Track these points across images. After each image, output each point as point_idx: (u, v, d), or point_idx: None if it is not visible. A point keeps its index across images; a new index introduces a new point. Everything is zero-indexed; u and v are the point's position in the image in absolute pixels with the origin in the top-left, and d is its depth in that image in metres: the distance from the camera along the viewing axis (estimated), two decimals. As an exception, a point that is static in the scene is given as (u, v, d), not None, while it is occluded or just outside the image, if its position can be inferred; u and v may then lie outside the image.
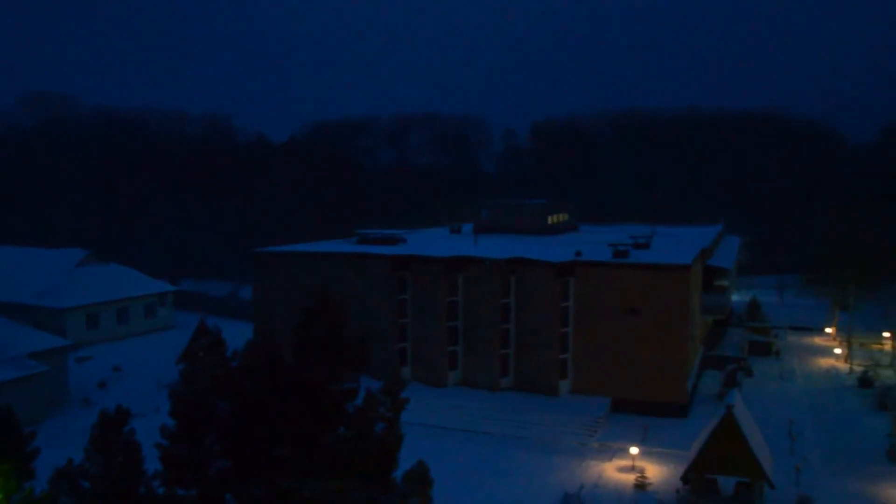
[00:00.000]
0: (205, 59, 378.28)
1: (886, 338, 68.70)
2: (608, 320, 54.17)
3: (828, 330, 78.98)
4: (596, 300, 54.73)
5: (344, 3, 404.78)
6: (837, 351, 70.19)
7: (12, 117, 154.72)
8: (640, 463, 43.48)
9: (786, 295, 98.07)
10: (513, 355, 56.49)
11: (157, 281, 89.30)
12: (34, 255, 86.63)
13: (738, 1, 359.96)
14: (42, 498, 23.88)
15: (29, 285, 78.54)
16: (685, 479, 38.88)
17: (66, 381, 58.48)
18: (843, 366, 66.31)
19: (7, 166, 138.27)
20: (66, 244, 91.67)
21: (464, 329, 57.47)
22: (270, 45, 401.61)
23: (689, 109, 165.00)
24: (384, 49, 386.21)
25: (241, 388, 25.92)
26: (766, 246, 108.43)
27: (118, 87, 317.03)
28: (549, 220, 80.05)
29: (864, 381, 59.39)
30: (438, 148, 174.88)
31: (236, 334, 34.30)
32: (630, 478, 41.85)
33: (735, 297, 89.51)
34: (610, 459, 45.15)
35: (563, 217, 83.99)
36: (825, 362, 68.15)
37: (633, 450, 43.68)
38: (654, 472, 42.72)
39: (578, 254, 56.98)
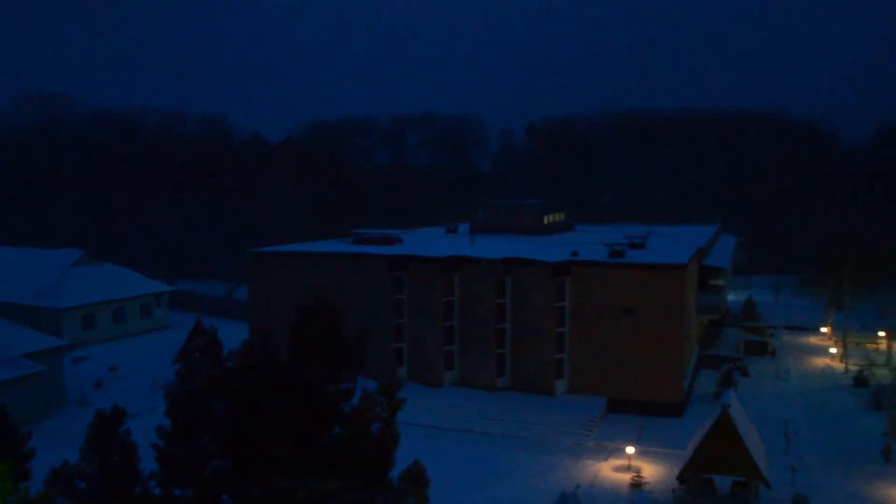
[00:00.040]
0: (202, 59, 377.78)
1: (881, 337, 68.89)
2: (604, 320, 54.23)
3: (823, 329, 79.11)
4: (592, 300, 54.79)
5: (341, 4, 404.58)
6: (833, 350, 70.32)
7: (10, 117, 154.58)
8: (636, 462, 43.56)
9: (781, 295, 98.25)
10: (509, 355, 56.54)
11: (153, 281, 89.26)
12: (31, 255, 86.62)
13: (735, 2, 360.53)
14: (38, 498, 23.83)
15: (25, 285, 78.51)
16: (681, 478, 38.90)
17: (62, 381, 58.44)
18: (838, 365, 66.44)
19: (5, 166, 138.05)
20: (63, 244, 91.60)
21: (460, 329, 57.52)
22: (268, 45, 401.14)
23: (684, 109, 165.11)
24: (381, 49, 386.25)
25: (237, 388, 25.90)
26: (761, 246, 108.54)
27: (115, 88, 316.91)
28: (546, 220, 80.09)
29: (860, 381, 59.53)
30: (435, 148, 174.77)
31: (232, 334, 34.28)
32: (626, 477, 41.92)
33: (731, 297, 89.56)
34: (606, 459, 45.21)
35: (559, 217, 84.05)
36: (820, 362, 68.28)
37: (630, 449, 43.75)
38: (650, 471, 42.80)
39: (574, 254, 57.04)
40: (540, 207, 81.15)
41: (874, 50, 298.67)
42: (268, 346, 26.64)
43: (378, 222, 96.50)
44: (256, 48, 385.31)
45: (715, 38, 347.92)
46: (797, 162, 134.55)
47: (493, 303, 56.02)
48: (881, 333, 69.05)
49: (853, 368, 63.51)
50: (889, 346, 64.26)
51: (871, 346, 68.87)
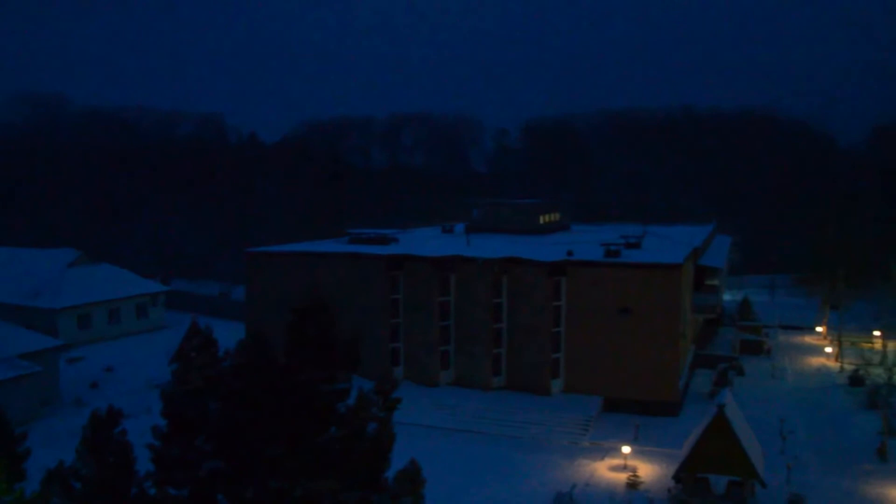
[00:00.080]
0: (198, 59, 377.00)
1: (876, 336, 68.99)
2: (600, 320, 54.26)
3: (818, 329, 79.24)
4: (588, 299, 54.82)
5: (337, 4, 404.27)
6: (828, 350, 70.46)
7: (6, 117, 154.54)
8: (631, 462, 43.61)
9: (777, 294, 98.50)
10: (505, 355, 56.56)
11: (149, 281, 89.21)
12: (27, 255, 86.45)
13: (731, 1, 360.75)
14: (33, 499, 23.80)
15: (21, 285, 78.38)
16: (677, 478, 38.96)
17: (57, 381, 58.33)
18: (833, 364, 66.62)
19: (1, 166, 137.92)
20: (59, 244, 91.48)
21: (456, 329, 57.54)
22: (263, 45, 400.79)
23: (680, 109, 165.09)
24: (377, 49, 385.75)
25: (232, 388, 25.89)
26: (757, 245, 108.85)
27: (111, 87, 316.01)
28: (541, 220, 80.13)
29: (855, 380, 59.67)
30: (431, 148, 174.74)
31: (228, 334, 34.27)
32: (622, 477, 41.95)
33: (726, 297, 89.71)
34: (602, 458, 45.24)
35: (554, 217, 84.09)
36: (816, 361, 68.44)
37: (625, 449, 43.80)
38: (646, 471, 42.83)
39: (570, 253, 57.07)
40: (536, 207, 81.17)
41: (871, 50, 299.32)
42: (264, 346, 26.63)
43: (373, 222, 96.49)
44: (252, 48, 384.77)
45: (711, 37, 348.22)
46: (793, 162, 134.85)
47: (489, 302, 56.04)
48: (876, 333, 69.12)
49: (848, 368, 63.65)
50: (884, 346, 64.28)
51: (866, 346, 68.93)
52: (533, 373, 55.29)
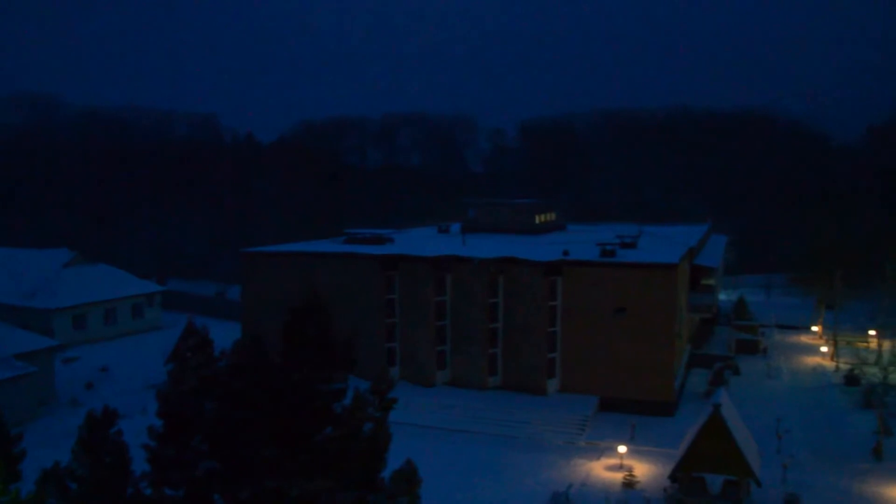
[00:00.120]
0: (194, 60, 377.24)
1: (872, 336, 69.13)
2: (596, 319, 54.31)
3: (814, 328, 79.38)
4: (584, 299, 54.84)
5: (333, 4, 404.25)
6: (824, 349, 70.56)
7: (2, 117, 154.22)
8: (627, 461, 43.62)
9: (772, 294, 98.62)
10: (501, 354, 56.59)
11: (145, 281, 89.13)
12: (22, 255, 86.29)
13: (727, 1, 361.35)
14: (29, 500, 23.76)
15: (16, 286, 78.27)
16: (673, 477, 39.00)
17: (52, 381, 58.27)
18: (829, 364, 66.70)
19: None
20: (55, 244, 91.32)
21: (452, 329, 57.54)
22: (259, 45, 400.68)
23: (676, 109, 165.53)
24: (372, 49, 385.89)
25: (228, 388, 25.87)
26: (752, 245, 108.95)
27: (106, 88, 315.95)
28: (537, 220, 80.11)
29: (850, 379, 59.75)
30: (426, 148, 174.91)
31: (224, 334, 34.27)
32: (618, 476, 41.96)
33: (722, 296, 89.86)
34: (598, 458, 45.27)
35: (550, 216, 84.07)
36: (812, 360, 68.53)
37: (621, 448, 43.82)
38: (642, 470, 42.86)
39: (566, 253, 57.10)
40: (531, 207, 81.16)
41: (867, 49, 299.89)
42: (260, 346, 26.61)
43: (369, 222, 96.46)
44: (248, 49, 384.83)
45: (707, 37, 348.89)
46: (789, 161, 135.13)
47: (486, 302, 56.06)
48: (872, 332, 69.28)
49: (844, 367, 63.73)
50: (879, 345, 64.45)
51: (861, 345, 69.01)
52: (529, 372, 55.32)
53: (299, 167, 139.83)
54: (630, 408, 52.34)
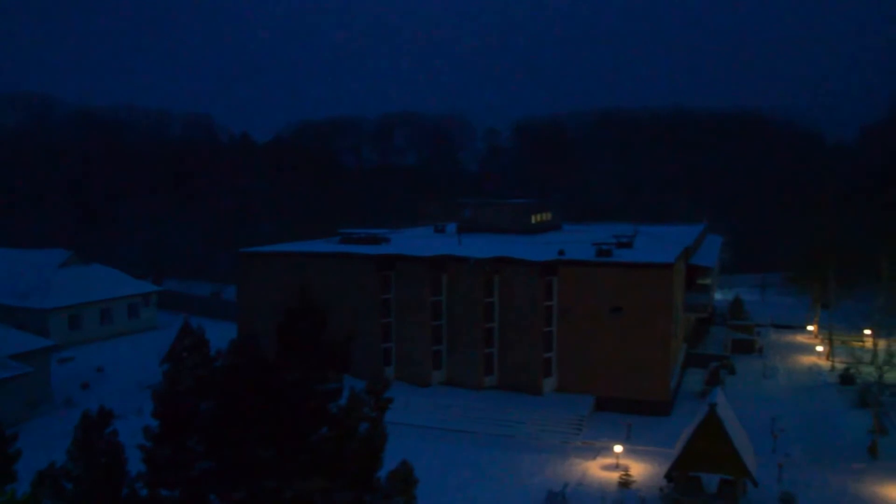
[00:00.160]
0: (190, 59, 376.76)
1: (867, 335, 69.23)
2: (592, 319, 54.32)
3: (809, 328, 79.49)
4: (579, 299, 54.87)
5: (328, 4, 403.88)
6: (819, 348, 70.70)
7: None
8: (623, 461, 43.65)
9: (768, 293, 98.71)
10: (497, 354, 56.58)
11: (140, 281, 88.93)
12: (18, 255, 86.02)
13: (721, 1, 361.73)
14: (24, 500, 23.72)
15: (11, 286, 78.04)
16: (669, 476, 39.03)
17: (48, 382, 58.09)
18: (824, 363, 66.85)
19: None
20: (50, 244, 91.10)
21: (448, 328, 57.52)
22: (254, 45, 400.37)
23: (671, 109, 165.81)
24: (367, 49, 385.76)
25: (224, 388, 25.84)
26: (748, 244, 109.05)
27: (101, 88, 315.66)
28: (533, 220, 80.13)
29: (846, 378, 59.86)
30: (422, 147, 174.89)
31: (220, 335, 34.20)
32: (614, 476, 42.00)
33: (718, 296, 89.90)
34: (594, 458, 45.28)
35: (546, 216, 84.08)
36: (807, 360, 68.65)
37: (617, 448, 43.85)
38: (638, 470, 42.88)
39: (562, 253, 57.12)
40: (527, 206, 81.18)
41: (862, 49, 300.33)
42: (255, 346, 26.58)
43: (365, 222, 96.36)
44: (243, 49, 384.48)
45: (701, 37, 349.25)
46: (784, 161, 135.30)
47: (481, 302, 56.04)
48: (867, 331, 69.38)
49: (839, 366, 63.87)
50: (875, 344, 64.54)
51: (856, 344, 69.18)
52: (525, 372, 55.32)
53: (295, 167, 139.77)
54: (626, 407, 52.36)
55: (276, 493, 24.28)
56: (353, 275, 59.76)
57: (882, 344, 61.94)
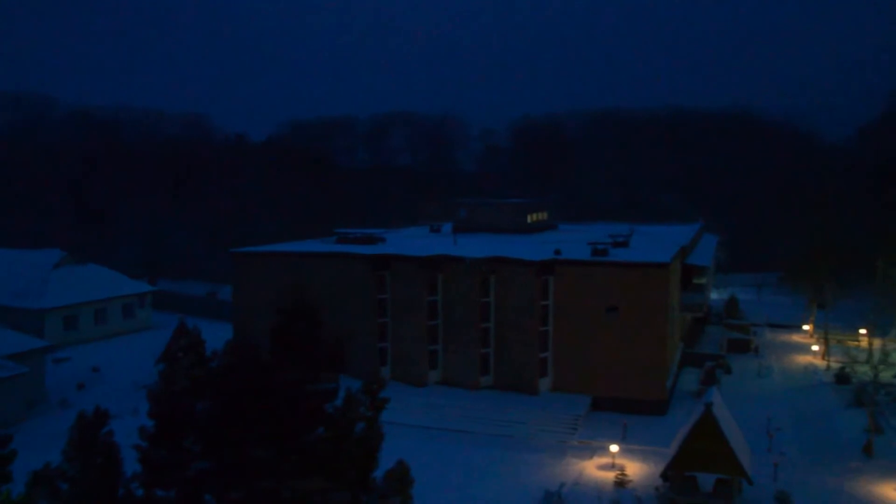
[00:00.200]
0: (185, 60, 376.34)
1: (862, 335, 69.35)
2: (588, 319, 54.34)
3: (805, 327, 79.60)
4: (576, 299, 54.88)
5: (323, 4, 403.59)
6: (815, 348, 70.83)
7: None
8: (620, 460, 43.71)
9: (764, 293, 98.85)
10: (493, 354, 56.57)
11: (136, 281, 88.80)
12: (12, 256, 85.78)
13: (718, 2, 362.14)
14: (20, 501, 23.68)
15: (6, 286, 77.88)
16: (665, 476, 39.08)
17: (43, 382, 57.99)
18: (820, 362, 66.96)
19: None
20: (45, 245, 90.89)
21: (443, 328, 57.52)
22: (250, 46, 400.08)
23: (668, 109, 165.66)
24: (363, 49, 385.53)
25: (220, 388, 25.81)
26: (744, 244, 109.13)
27: (97, 88, 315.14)
28: (529, 219, 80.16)
29: (841, 378, 59.95)
30: (417, 147, 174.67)
31: (216, 335, 34.14)
32: (610, 475, 42.04)
33: (714, 296, 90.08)
34: (590, 457, 45.33)
35: (542, 216, 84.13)
36: (803, 359, 68.76)
37: (613, 447, 43.90)
38: (634, 469, 42.93)
39: (558, 252, 57.13)
40: (523, 206, 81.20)
41: (860, 49, 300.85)
42: (251, 346, 26.56)
43: (360, 222, 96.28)
44: (239, 50, 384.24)
45: (698, 38, 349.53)
46: (780, 161, 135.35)
47: (477, 302, 56.03)
48: (862, 331, 69.53)
49: (835, 366, 63.96)
50: (870, 344, 64.67)
51: (852, 344, 69.24)
52: (521, 372, 55.33)
53: (290, 167, 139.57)
54: (622, 407, 52.38)
55: (273, 494, 24.25)
56: (349, 275, 59.73)
57: (877, 343, 62.17)
